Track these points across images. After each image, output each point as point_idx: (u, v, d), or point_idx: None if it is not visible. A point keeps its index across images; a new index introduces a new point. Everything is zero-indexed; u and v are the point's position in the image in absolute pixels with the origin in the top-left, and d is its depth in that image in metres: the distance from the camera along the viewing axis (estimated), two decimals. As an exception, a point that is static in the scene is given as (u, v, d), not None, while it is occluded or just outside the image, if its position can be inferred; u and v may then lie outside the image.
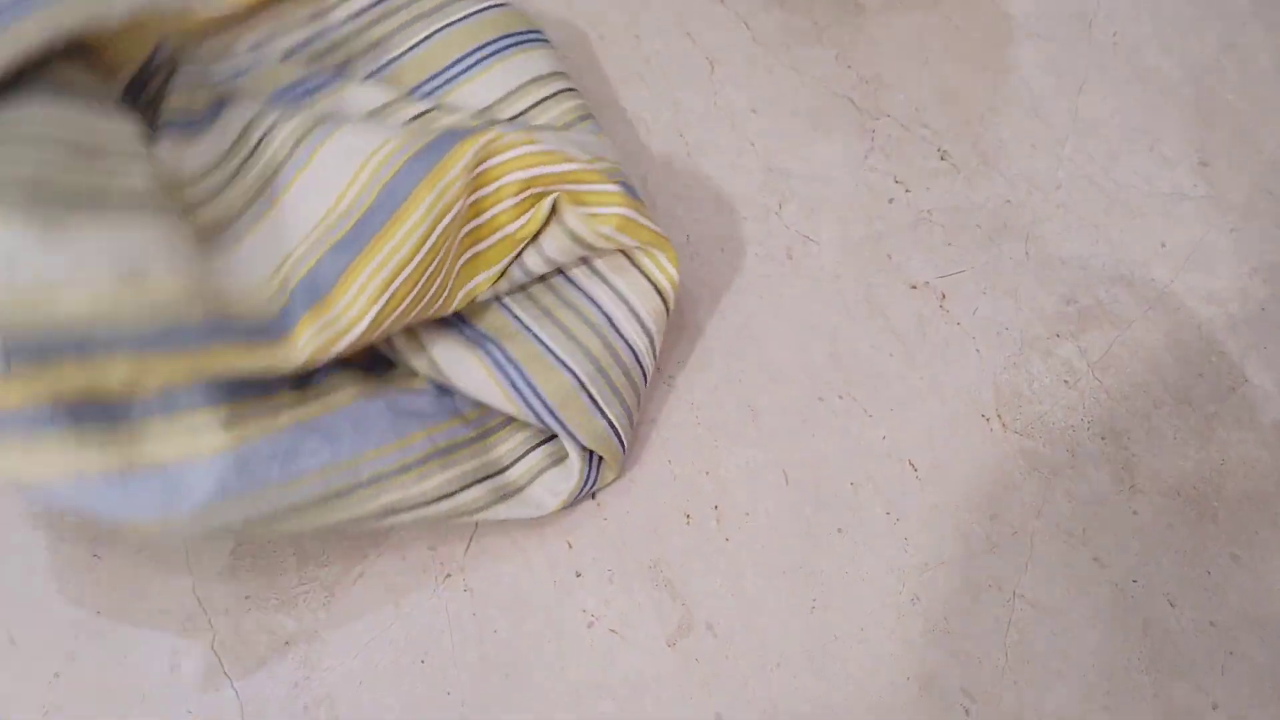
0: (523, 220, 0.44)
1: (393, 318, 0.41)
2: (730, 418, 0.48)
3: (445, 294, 0.43)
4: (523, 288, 0.47)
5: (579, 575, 0.45)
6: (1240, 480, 0.48)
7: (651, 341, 0.46)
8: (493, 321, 0.46)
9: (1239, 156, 0.55)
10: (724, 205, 0.53)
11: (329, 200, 0.41)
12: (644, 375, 0.46)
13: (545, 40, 0.51)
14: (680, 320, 0.50)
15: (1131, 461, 0.48)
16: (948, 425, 0.48)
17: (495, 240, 0.44)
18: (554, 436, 0.46)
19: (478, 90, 0.48)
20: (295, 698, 0.43)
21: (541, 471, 0.46)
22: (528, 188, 0.43)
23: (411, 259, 0.40)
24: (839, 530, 0.46)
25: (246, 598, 0.44)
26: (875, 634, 0.44)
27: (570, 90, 0.50)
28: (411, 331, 0.45)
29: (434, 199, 0.41)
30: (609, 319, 0.46)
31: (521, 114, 0.48)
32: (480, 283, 0.45)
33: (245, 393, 0.38)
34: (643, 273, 0.46)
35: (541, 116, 0.49)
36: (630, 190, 0.45)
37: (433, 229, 0.41)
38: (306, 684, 0.43)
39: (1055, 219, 0.53)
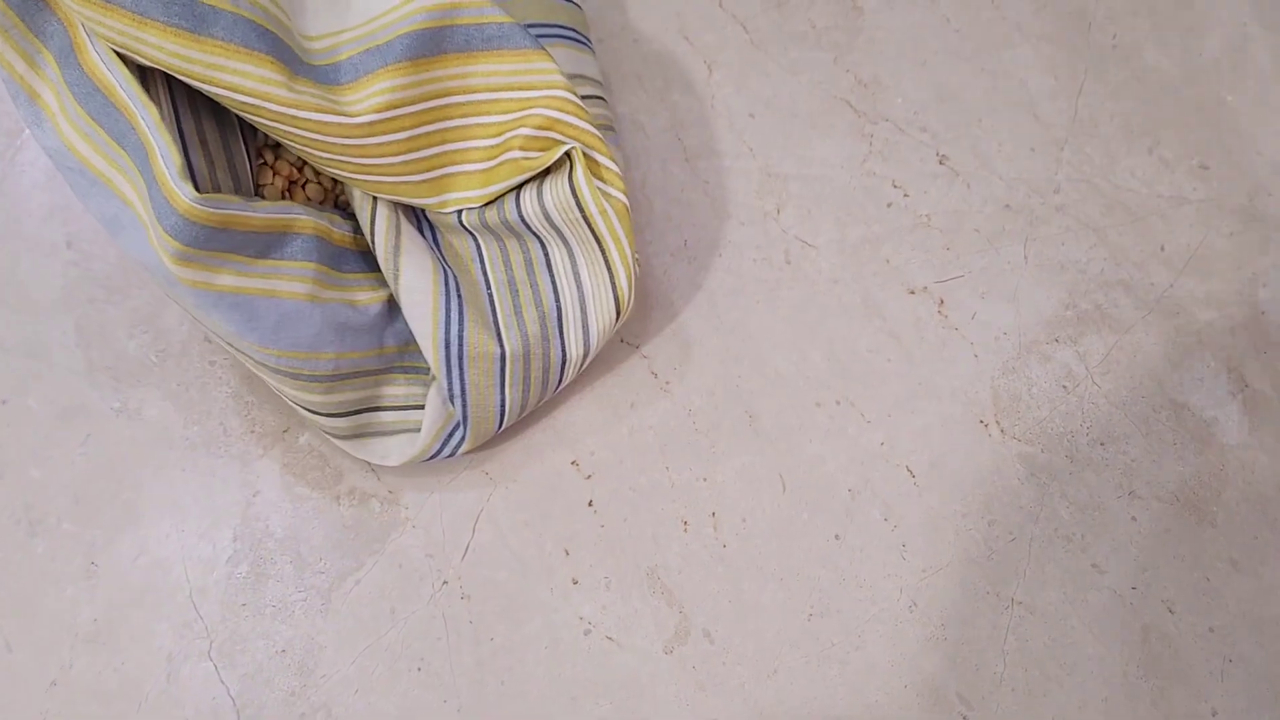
0: (534, 154, 0.44)
1: (378, 140, 0.42)
2: (727, 423, 0.48)
3: (435, 171, 0.45)
4: (501, 240, 0.47)
5: (576, 582, 0.45)
6: (1239, 485, 0.47)
7: (586, 355, 0.46)
8: (460, 254, 0.47)
9: (1239, 159, 0.55)
10: (721, 209, 0.53)
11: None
12: (559, 382, 0.46)
13: (584, 42, 0.51)
14: (676, 325, 0.50)
15: (1130, 467, 0.48)
16: (946, 430, 0.48)
17: (501, 160, 0.45)
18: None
19: None
20: (292, 705, 0.43)
21: (409, 430, 0.46)
22: (551, 127, 0.44)
23: (426, 101, 0.43)
24: (836, 536, 0.46)
25: (243, 605, 0.44)
26: (872, 641, 0.44)
27: (599, 99, 0.50)
28: (397, 229, 0.45)
29: (482, 73, 0.43)
30: (559, 317, 0.46)
31: None
32: (472, 196, 0.45)
33: (214, 243, 0.39)
34: (613, 284, 0.45)
35: None
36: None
37: (461, 94, 0.43)
38: (303, 692, 0.43)
39: (1054, 222, 0.53)
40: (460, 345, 0.44)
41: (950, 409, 0.49)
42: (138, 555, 0.46)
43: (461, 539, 0.46)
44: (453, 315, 0.44)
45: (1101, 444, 0.48)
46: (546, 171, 0.45)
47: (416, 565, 0.45)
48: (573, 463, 0.47)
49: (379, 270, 0.45)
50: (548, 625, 0.44)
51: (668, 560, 0.46)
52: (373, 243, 0.45)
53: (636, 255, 0.46)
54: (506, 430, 0.48)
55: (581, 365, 0.46)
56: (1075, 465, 0.48)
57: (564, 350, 0.45)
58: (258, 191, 0.46)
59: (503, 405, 0.45)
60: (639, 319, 0.50)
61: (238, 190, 0.44)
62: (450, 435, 0.45)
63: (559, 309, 0.46)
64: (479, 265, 0.46)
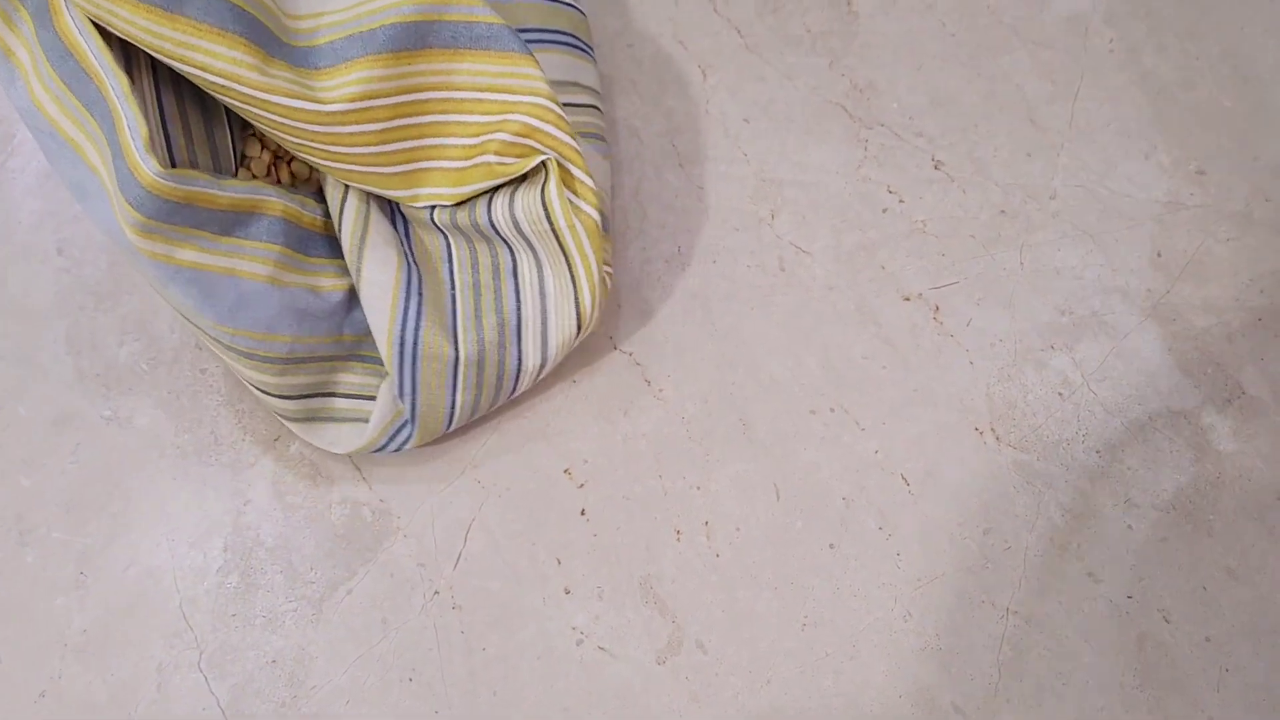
0: (509, 159, 0.44)
1: (350, 129, 0.42)
2: (721, 430, 0.48)
3: (408, 165, 0.45)
4: (472, 243, 0.47)
5: (568, 592, 0.45)
6: (1236, 493, 0.47)
7: (543, 366, 0.46)
8: (430, 251, 0.47)
9: (1236, 164, 0.55)
10: (715, 215, 0.52)
11: None
12: (513, 390, 0.46)
13: (583, 49, 0.51)
14: (670, 331, 0.50)
15: (1126, 475, 0.47)
16: (941, 438, 0.48)
17: (476, 162, 0.45)
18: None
19: None
20: (283, 716, 0.42)
21: (359, 420, 0.46)
22: (529, 135, 0.43)
23: (404, 94, 0.43)
24: (830, 545, 0.46)
25: (233, 615, 0.44)
26: (867, 650, 0.44)
27: (592, 107, 0.50)
28: (366, 221, 0.45)
29: (466, 71, 0.43)
30: (519, 326, 0.45)
31: None
32: (444, 194, 0.46)
33: (177, 217, 0.39)
34: (576, 298, 0.45)
35: None
36: (604, 219, 0.45)
37: (442, 90, 0.43)
38: (294, 703, 0.43)
39: (1050, 228, 0.53)
40: (415, 344, 0.44)
41: (945, 416, 0.49)
42: (128, 565, 0.45)
43: (454, 548, 0.46)
44: (410, 313, 0.44)
45: (1098, 452, 0.48)
46: (522, 179, 0.45)
47: (408, 575, 0.45)
48: (565, 471, 0.47)
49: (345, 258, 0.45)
50: (540, 635, 0.44)
51: (661, 569, 0.45)
52: (340, 231, 0.45)
53: (609, 268, 0.46)
54: (499, 438, 0.48)
55: (538, 375, 0.46)
56: (1071, 473, 0.47)
57: (520, 359, 0.45)
58: (242, 163, 0.46)
59: (452, 406, 0.45)
60: (633, 324, 0.50)
61: (216, 167, 0.44)
62: (398, 431, 0.45)
63: (519, 318, 0.45)
64: (447, 265, 0.46)
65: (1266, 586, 0.45)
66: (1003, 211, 0.53)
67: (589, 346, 0.50)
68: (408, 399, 0.44)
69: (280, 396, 0.44)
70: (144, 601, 0.45)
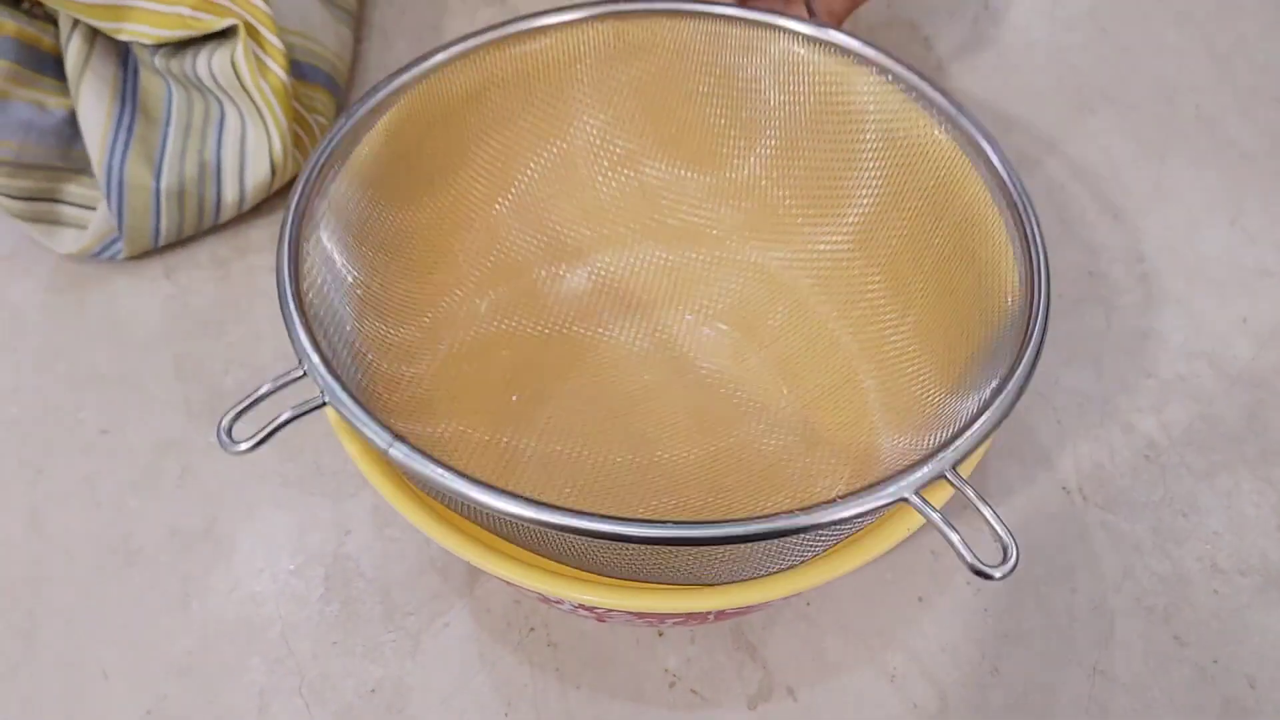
0: (201, 15, 0.51)
1: None
2: (813, 481, 0.48)
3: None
4: (189, 91, 0.54)
5: (661, 635, 0.46)
6: (1323, 562, 0.47)
7: (241, 202, 0.55)
8: (152, 93, 0.54)
9: (1322, 233, 0.55)
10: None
11: None
12: (215, 218, 0.55)
13: None
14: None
15: (1213, 539, 0.48)
16: (1028, 495, 0.49)
17: (173, 11, 0.51)
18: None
19: None
20: (382, 746, 0.43)
21: (79, 227, 0.53)
22: None
23: None
24: (920, 599, 0.46)
25: (334, 644, 0.45)
26: (955, 704, 0.45)
27: None
28: (88, 56, 0.52)
29: None
30: (219, 168, 0.54)
31: None
32: (144, 32, 0.52)
33: None
34: (270, 148, 0.54)
35: None
36: (333, 85, 0.59)
37: None
38: (393, 733, 0.44)
39: (1137, 290, 0.54)
40: (121, 174, 0.51)
41: (1033, 474, 0.49)
42: (232, 589, 0.46)
43: (549, 586, 0.46)
44: (118, 146, 0.51)
45: (1184, 515, 0.49)
46: (221, 35, 0.52)
47: (504, 610, 0.46)
48: (660, 514, 0.48)
49: None
50: (632, 676, 0.45)
51: (752, 615, 0.46)
52: (66, 65, 0.52)
53: (321, 118, 0.58)
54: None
55: (238, 210, 0.56)
56: (1158, 536, 0.48)
57: (219, 195, 0.54)
58: None
59: (157, 229, 0.54)
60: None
61: None
62: (111, 243, 0.54)
63: (219, 160, 0.54)
64: (166, 107, 0.53)
65: (1353, 657, 0.46)
66: (1090, 273, 0.54)
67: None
68: (115, 218, 0.52)
69: (9, 196, 0.52)
70: (247, 626, 0.46)
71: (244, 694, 0.44)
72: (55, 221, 0.53)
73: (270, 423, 0.32)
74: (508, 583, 0.35)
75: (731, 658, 0.45)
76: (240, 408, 0.32)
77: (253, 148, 0.53)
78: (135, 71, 0.54)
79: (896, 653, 0.46)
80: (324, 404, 0.32)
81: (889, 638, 0.46)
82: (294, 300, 0.34)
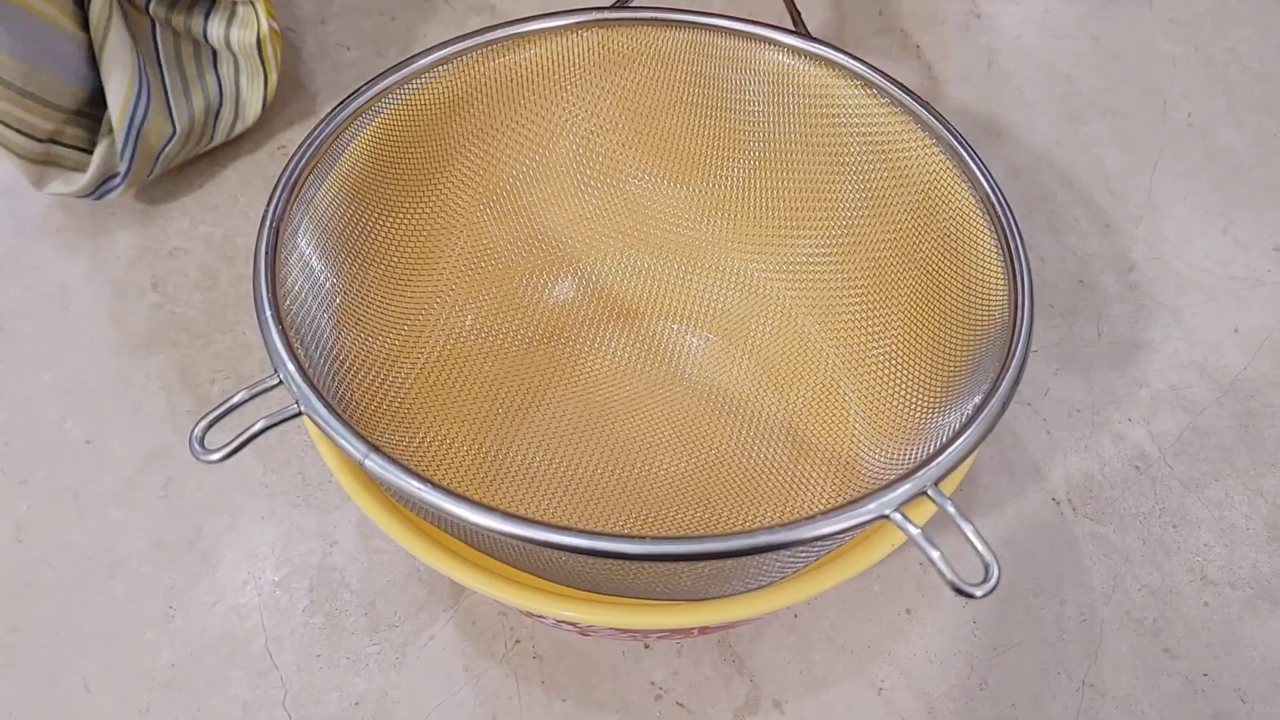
0: None
1: None
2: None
3: None
4: (179, 38, 0.57)
5: (647, 647, 0.45)
6: (1314, 575, 0.47)
7: (233, 127, 0.59)
8: (165, 42, 0.56)
9: (1314, 243, 0.55)
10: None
11: None
12: (210, 142, 0.59)
13: None
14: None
15: (1203, 551, 0.48)
16: (1018, 507, 0.48)
17: None
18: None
19: None
20: (365, 760, 0.43)
21: (77, 170, 0.54)
22: None
23: None
24: (908, 611, 0.46)
25: (318, 656, 0.45)
26: (943, 717, 0.44)
27: None
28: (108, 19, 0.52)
29: None
30: (220, 107, 0.57)
31: None
32: None
33: None
34: (265, 88, 0.58)
35: None
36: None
37: None
38: (376, 746, 0.43)
39: (1128, 300, 0.53)
40: (141, 127, 0.53)
41: (1022, 485, 0.49)
42: (215, 601, 0.46)
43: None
44: (140, 104, 0.52)
45: (1174, 526, 0.48)
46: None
47: (490, 623, 0.46)
48: (646, 526, 0.48)
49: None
50: (618, 689, 0.45)
51: (739, 628, 0.46)
52: (92, 28, 0.52)
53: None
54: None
55: (229, 134, 0.59)
56: (1148, 547, 0.48)
57: (215, 128, 0.58)
58: None
59: (155, 164, 0.55)
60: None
61: None
62: (107, 181, 0.54)
63: (221, 100, 0.57)
64: (173, 54, 0.56)
65: (1344, 670, 0.45)
66: (1081, 282, 0.54)
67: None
68: (126, 163, 0.53)
69: (27, 135, 0.52)
70: (230, 638, 0.45)
71: (227, 707, 0.44)
72: (56, 163, 0.54)
73: (243, 432, 0.32)
74: (492, 599, 0.35)
75: (718, 670, 0.45)
76: (213, 416, 0.32)
77: (246, 81, 0.57)
78: (154, 28, 0.56)
79: (884, 665, 0.45)
80: (299, 414, 0.32)
81: (877, 650, 0.46)
82: (270, 307, 0.33)
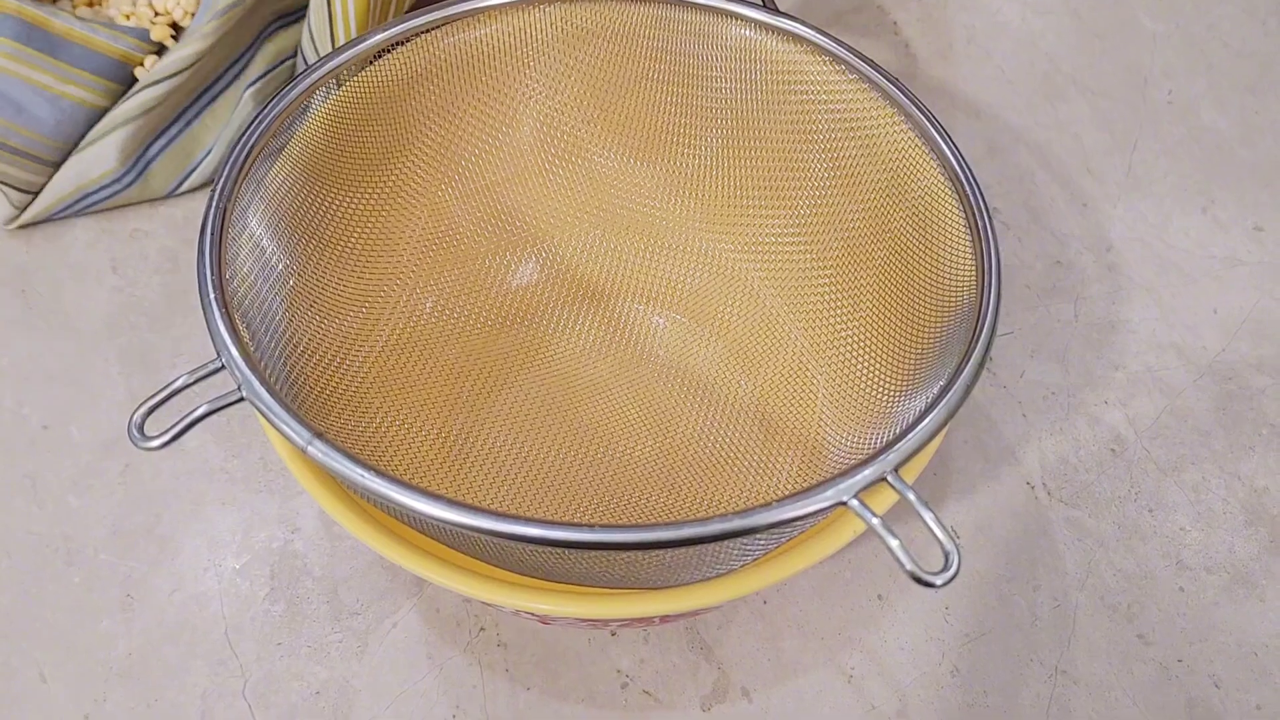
0: None
1: None
2: (771, 476, 0.48)
3: None
4: None
5: (614, 634, 0.45)
6: (1291, 559, 0.47)
7: None
8: None
9: (1295, 223, 0.54)
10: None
11: None
12: None
13: None
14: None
15: (1179, 536, 0.47)
16: (991, 491, 0.48)
17: None
18: None
19: None
20: (325, 750, 0.42)
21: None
22: None
23: None
24: (879, 597, 0.46)
25: (279, 645, 0.44)
26: (914, 705, 0.44)
27: None
28: None
29: None
30: None
31: None
32: None
33: None
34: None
35: None
36: None
37: None
38: (337, 736, 0.43)
39: (1106, 281, 0.53)
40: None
41: (996, 469, 0.48)
42: (174, 589, 0.45)
43: (500, 585, 0.45)
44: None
45: (1150, 511, 0.48)
46: None
47: (453, 610, 0.45)
48: (614, 511, 0.47)
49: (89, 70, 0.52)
50: (584, 678, 0.44)
51: (707, 616, 0.45)
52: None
53: None
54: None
55: None
56: (1123, 531, 0.47)
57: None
58: None
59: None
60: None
61: None
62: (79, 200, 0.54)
63: None
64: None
65: (1320, 656, 0.45)
66: (1058, 262, 0.53)
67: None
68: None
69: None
70: (189, 627, 0.44)
71: (186, 697, 0.43)
72: None
73: (183, 418, 0.31)
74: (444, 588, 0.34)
75: (685, 658, 0.44)
76: (153, 402, 0.31)
77: None
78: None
79: (854, 652, 0.45)
80: (242, 399, 0.31)
81: (847, 637, 0.45)
82: (214, 288, 0.32)
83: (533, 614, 0.35)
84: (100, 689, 0.43)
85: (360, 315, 0.42)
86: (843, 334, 0.43)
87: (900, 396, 0.37)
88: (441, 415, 0.44)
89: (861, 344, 0.42)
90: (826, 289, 0.44)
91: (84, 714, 0.43)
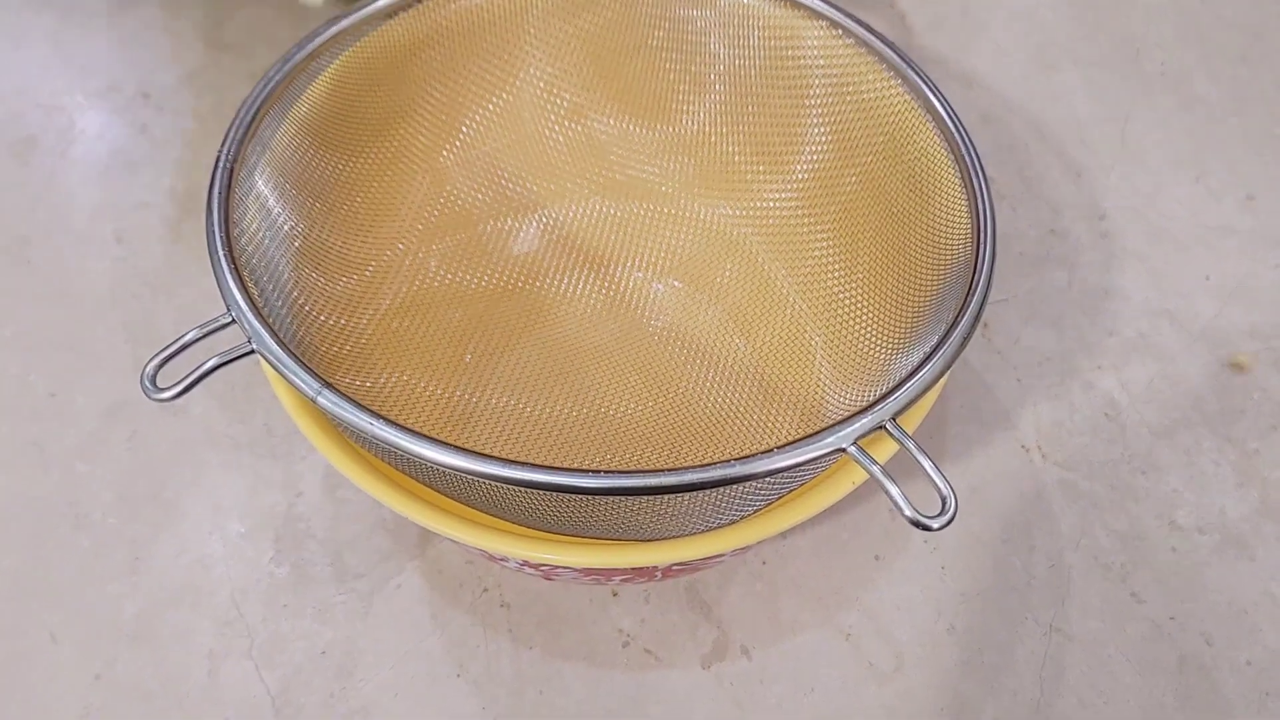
0: None
1: None
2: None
3: None
4: None
5: (615, 595, 0.45)
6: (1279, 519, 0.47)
7: None
8: None
9: (1286, 191, 0.55)
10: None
11: None
12: None
13: None
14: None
15: (1171, 497, 0.48)
16: (987, 454, 0.48)
17: None
18: None
19: None
20: (331, 707, 0.43)
21: None
22: None
23: None
24: (876, 557, 0.46)
25: (284, 606, 0.45)
26: (910, 663, 0.44)
27: None
28: None
29: None
30: None
31: None
32: None
33: None
34: None
35: None
36: None
37: None
38: (343, 694, 0.43)
39: (1099, 249, 0.53)
40: None
41: (992, 433, 0.49)
42: (179, 553, 0.46)
43: (502, 547, 0.46)
44: None
45: (1143, 473, 0.48)
46: None
47: (457, 571, 0.46)
48: (615, 474, 0.47)
49: None
50: (585, 637, 0.45)
51: (707, 575, 0.46)
52: None
53: None
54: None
55: None
56: (1116, 493, 0.48)
57: None
58: None
59: None
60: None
61: None
62: None
63: None
64: None
65: (1310, 613, 0.46)
66: (1052, 230, 0.54)
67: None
68: None
69: None
70: (195, 589, 0.45)
71: (193, 657, 0.44)
72: None
73: (195, 369, 0.31)
74: (450, 539, 0.35)
75: (685, 617, 0.45)
76: (166, 354, 0.32)
77: None
78: None
79: (852, 611, 0.45)
80: (252, 351, 0.31)
81: (845, 596, 0.46)
82: (222, 245, 0.33)
83: (537, 566, 0.36)
84: (109, 650, 0.44)
85: (364, 277, 0.42)
86: (840, 295, 0.43)
87: (897, 354, 0.38)
88: (445, 378, 0.44)
89: (859, 304, 0.42)
90: (823, 251, 0.44)
91: (94, 674, 0.43)
